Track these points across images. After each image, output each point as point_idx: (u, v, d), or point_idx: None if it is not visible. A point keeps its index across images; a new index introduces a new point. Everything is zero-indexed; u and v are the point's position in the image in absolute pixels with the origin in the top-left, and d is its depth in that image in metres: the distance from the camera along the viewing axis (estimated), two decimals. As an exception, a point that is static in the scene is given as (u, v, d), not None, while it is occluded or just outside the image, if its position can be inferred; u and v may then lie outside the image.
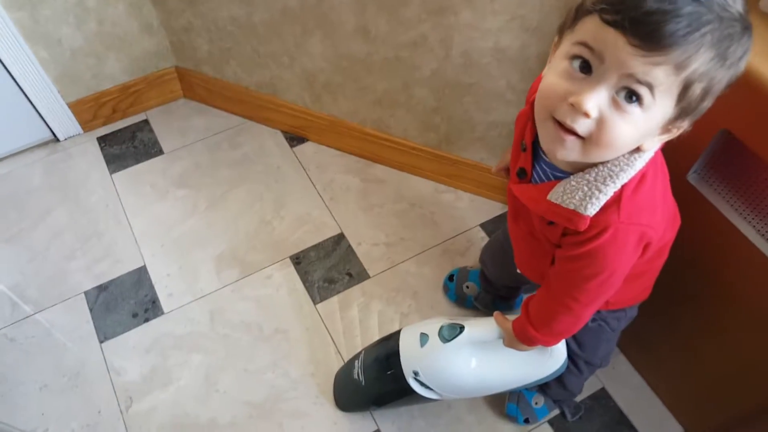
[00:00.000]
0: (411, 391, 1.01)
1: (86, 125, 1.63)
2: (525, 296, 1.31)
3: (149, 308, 1.35)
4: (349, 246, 1.43)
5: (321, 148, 1.60)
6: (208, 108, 1.69)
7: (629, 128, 0.58)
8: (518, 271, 0.97)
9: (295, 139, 1.63)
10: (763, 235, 0.84)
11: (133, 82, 1.61)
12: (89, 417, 1.21)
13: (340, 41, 1.30)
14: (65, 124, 1.59)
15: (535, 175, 0.74)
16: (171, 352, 1.29)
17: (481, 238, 1.44)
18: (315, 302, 1.35)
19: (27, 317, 1.34)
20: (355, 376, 1.13)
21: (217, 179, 1.55)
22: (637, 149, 0.63)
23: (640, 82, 0.54)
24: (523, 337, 0.86)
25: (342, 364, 1.25)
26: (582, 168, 0.67)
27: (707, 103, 0.59)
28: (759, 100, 0.74)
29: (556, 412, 1.20)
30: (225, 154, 1.60)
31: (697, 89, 0.56)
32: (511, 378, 0.99)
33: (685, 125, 0.62)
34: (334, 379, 1.23)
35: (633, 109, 0.56)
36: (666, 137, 0.63)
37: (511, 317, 0.89)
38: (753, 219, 0.85)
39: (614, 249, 0.68)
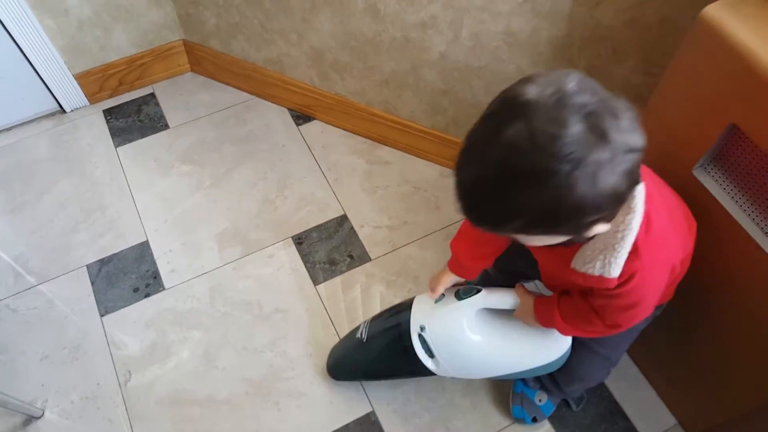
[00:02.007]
0: (410, 352, 1.01)
1: (92, 97, 1.62)
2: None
3: (150, 283, 1.35)
4: (352, 228, 1.42)
5: (327, 128, 1.59)
6: (215, 83, 1.68)
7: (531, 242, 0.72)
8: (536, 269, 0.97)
9: (301, 117, 1.61)
10: (766, 233, 0.82)
11: (140, 55, 1.59)
12: (88, 389, 1.23)
13: (349, 19, 1.28)
14: (71, 95, 1.58)
15: None
16: (171, 327, 1.30)
17: (486, 225, 1.43)
18: (315, 283, 1.34)
19: (29, 288, 1.35)
20: (358, 335, 1.13)
21: (222, 156, 1.54)
22: (627, 211, 0.69)
23: None
24: (543, 317, 0.88)
25: (340, 345, 1.25)
26: None
27: (583, 227, 0.64)
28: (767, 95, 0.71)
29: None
30: (231, 130, 1.59)
31: (548, 233, 0.66)
32: (512, 359, 0.99)
33: (595, 230, 0.65)
34: (332, 348, 1.23)
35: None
36: (602, 227, 0.67)
37: (532, 291, 0.93)
38: (757, 217, 0.83)
39: (645, 285, 0.74)
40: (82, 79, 1.56)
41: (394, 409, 1.19)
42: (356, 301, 1.32)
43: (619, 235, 0.69)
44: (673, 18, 0.97)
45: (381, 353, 1.10)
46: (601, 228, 0.65)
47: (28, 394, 1.21)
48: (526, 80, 0.59)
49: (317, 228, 1.42)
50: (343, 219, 1.44)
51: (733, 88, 0.77)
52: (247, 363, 1.25)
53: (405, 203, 1.46)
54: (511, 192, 0.59)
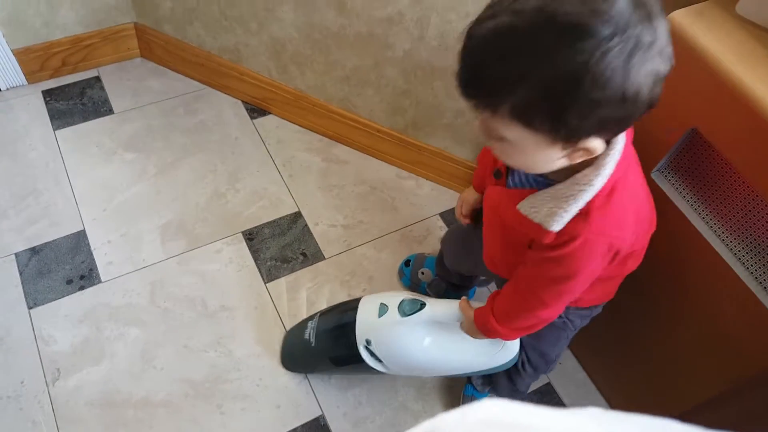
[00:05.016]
0: (359, 360, 1.00)
1: (31, 76, 1.51)
2: (478, 289, 1.30)
3: (86, 275, 1.26)
4: (306, 225, 1.38)
5: (283, 123, 1.54)
6: (166, 70, 1.60)
7: (516, 154, 0.64)
8: (485, 266, 0.94)
9: (256, 110, 1.56)
10: (721, 238, 0.84)
11: (87, 35, 1.50)
12: (10, 387, 1.12)
13: (314, 10, 1.25)
14: (8, 72, 1.47)
15: (510, 180, 0.77)
16: (106, 323, 1.21)
17: (440, 227, 1.42)
18: (265, 281, 1.29)
19: (-53, 276, 1.23)
20: (306, 337, 1.10)
21: (169, 145, 1.47)
22: (596, 167, 0.65)
23: (483, 118, 0.62)
24: (483, 328, 0.86)
25: (289, 345, 1.20)
26: (557, 177, 0.68)
27: (589, 123, 0.57)
28: (729, 101, 0.73)
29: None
30: (180, 119, 1.52)
31: (552, 118, 0.56)
32: (460, 363, 0.98)
33: (591, 143, 0.60)
34: (284, 337, 1.20)
35: (500, 143, 0.63)
36: (581, 155, 0.63)
37: (475, 305, 0.89)
38: (711, 220, 0.85)
39: (582, 256, 0.70)
40: (21, 55, 1.46)
41: (345, 412, 1.15)
42: (308, 300, 1.27)
43: (577, 188, 0.65)
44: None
45: (332, 358, 1.08)
46: (594, 143, 0.60)
47: (-61, 392, 1.10)
48: None
49: (270, 224, 1.37)
50: (297, 216, 1.39)
51: (695, 93, 0.79)
52: (188, 363, 1.18)
53: (361, 203, 1.43)
54: (537, 45, 0.52)
